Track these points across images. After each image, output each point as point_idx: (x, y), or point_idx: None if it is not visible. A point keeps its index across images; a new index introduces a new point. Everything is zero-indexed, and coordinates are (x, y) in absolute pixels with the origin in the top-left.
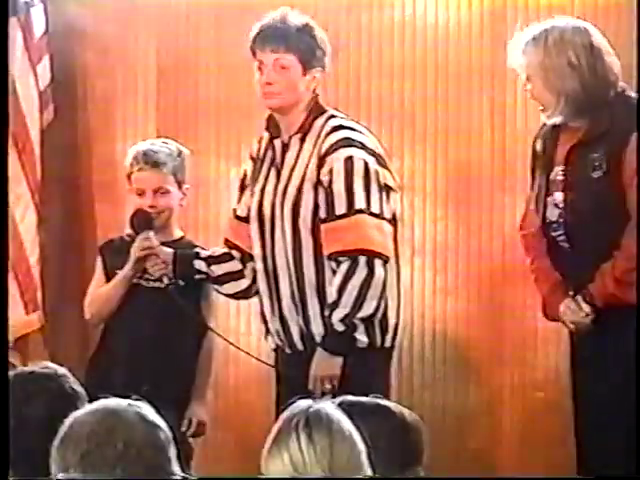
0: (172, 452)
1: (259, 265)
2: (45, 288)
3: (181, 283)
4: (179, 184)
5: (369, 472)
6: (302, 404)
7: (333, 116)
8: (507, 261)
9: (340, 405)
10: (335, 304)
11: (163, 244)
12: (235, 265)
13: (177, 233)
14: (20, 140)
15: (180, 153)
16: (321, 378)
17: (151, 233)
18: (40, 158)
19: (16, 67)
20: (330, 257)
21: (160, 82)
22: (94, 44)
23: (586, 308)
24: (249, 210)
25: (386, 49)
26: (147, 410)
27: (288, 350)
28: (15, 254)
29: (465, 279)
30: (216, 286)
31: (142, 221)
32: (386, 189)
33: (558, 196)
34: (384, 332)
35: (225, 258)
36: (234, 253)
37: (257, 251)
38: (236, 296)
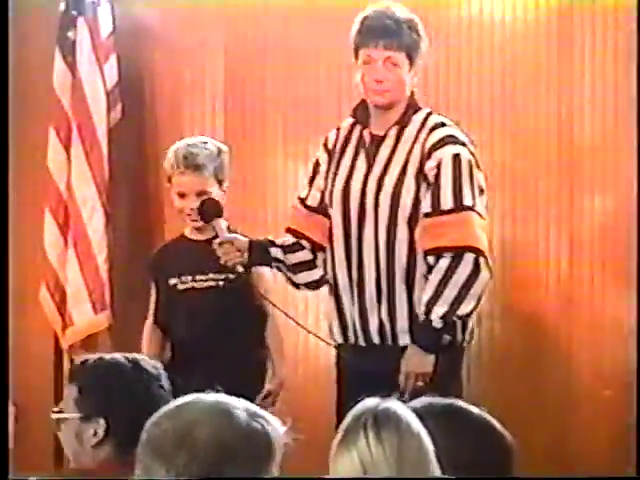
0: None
1: (340, 255)
2: (113, 288)
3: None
4: (220, 183)
5: (437, 472)
6: (370, 402)
7: (431, 113)
8: (575, 258)
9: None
10: (434, 300)
11: (207, 241)
12: (307, 255)
13: (223, 224)
14: (87, 140)
15: (220, 152)
16: (415, 375)
17: (221, 221)
18: (108, 158)
19: (83, 67)
20: (431, 252)
21: (227, 81)
22: (161, 43)
23: None
24: (322, 200)
25: (453, 47)
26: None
27: (362, 343)
28: (84, 254)
29: (533, 275)
30: (290, 275)
31: (211, 209)
32: (480, 191)
33: None
34: (464, 330)
35: (296, 247)
36: (304, 243)
37: (339, 240)
38: (309, 286)
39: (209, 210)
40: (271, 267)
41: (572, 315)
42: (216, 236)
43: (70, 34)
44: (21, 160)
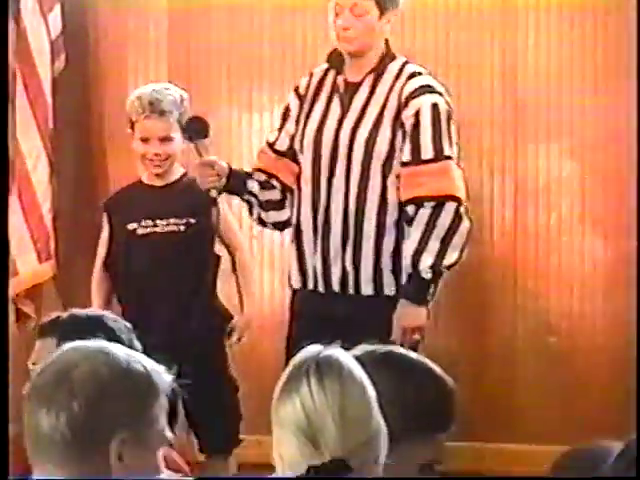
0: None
1: (307, 199)
2: (58, 238)
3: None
4: (182, 130)
5: (379, 419)
6: (312, 349)
7: (407, 62)
8: (520, 206)
9: (378, 357)
10: (420, 251)
11: (168, 185)
12: (277, 194)
13: (180, 170)
14: (32, 90)
15: (182, 99)
16: (410, 329)
17: (206, 141)
18: (52, 107)
19: (27, 18)
20: (410, 201)
21: (171, 27)
22: None
23: None
24: (291, 145)
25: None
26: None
27: (322, 290)
28: (28, 203)
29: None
30: (260, 211)
31: (199, 127)
32: (455, 140)
33: None
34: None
35: (268, 185)
36: (274, 182)
37: (307, 184)
38: (276, 226)
39: (196, 128)
40: (242, 199)
41: (517, 264)
42: (176, 182)
43: None
44: None
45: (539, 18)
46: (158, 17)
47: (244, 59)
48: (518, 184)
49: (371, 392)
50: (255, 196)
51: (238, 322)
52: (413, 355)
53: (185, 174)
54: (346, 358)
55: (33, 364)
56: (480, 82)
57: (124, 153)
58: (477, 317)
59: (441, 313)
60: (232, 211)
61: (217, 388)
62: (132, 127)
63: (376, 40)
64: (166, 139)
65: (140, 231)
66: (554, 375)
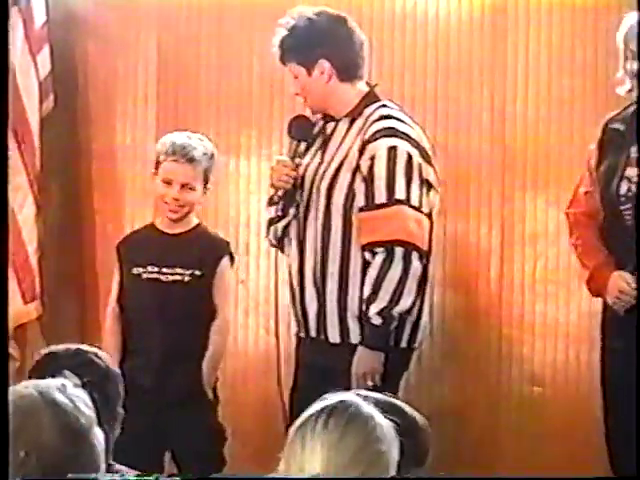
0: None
1: (294, 247)
2: (43, 278)
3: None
4: (205, 183)
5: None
6: (342, 396)
7: (385, 105)
8: (506, 256)
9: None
10: (372, 297)
11: (181, 234)
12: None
13: (194, 221)
14: (20, 130)
15: (213, 155)
16: (363, 375)
17: (302, 145)
18: (40, 148)
19: (17, 58)
20: (366, 247)
21: (160, 71)
22: (94, 33)
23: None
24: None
25: (387, 42)
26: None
27: (303, 334)
28: (14, 244)
29: (464, 273)
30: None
31: (303, 128)
32: (427, 184)
33: (631, 171)
34: (414, 331)
35: None
36: None
37: (293, 230)
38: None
39: (303, 127)
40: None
41: (503, 314)
42: (188, 231)
43: None
44: None
45: (528, 65)
46: (147, 57)
47: (233, 102)
48: (505, 232)
49: (384, 447)
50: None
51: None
52: (398, 402)
53: (199, 224)
54: (360, 404)
55: None
56: (468, 129)
57: (110, 194)
58: (462, 365)
59: (426, 360)
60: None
61: (205, 435)
62: (157, 167)
63: (324, 96)
64: (188, 187)
65: (145, 276)
66: (537, 424)
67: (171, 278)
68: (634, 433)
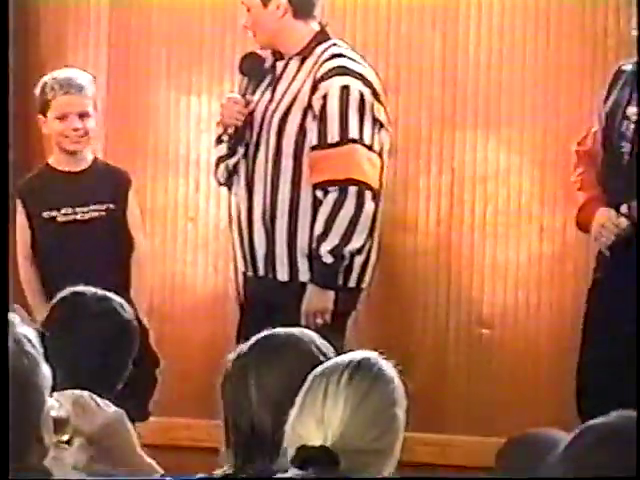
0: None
1: (242, 186)
2: None
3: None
4: (95, 108)
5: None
6: (366, 353)
7: (336, 44)
8: (456, 196)
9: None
10: (323, 235)
11: (81, 172)
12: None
13: (90, 156)
14: None
15: (94, 79)
16: (313, 312)
17: (253, 83)
18: None
19: None
20: (317, 186)
21: (113, 8)
22: None
23: (623, 222)
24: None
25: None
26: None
27: (250, 274)
28: None
29: (414, 214)
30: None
31: (255, 65)
32: (379, 124)
33: (631, 110)
34: (363, 271)
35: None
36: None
37: (242, 168)
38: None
39: (252, 64)
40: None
41: (452, 255)
42: (90, 167)
43: None
44: None
45: (481, 8)
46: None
47: (183, 43)
48: (455, 174)
49: (396, 399)
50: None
51: None
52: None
53: (95, 159)
54: (383, 363)
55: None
56: (420, 71)
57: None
58: (410, 306)
59: (373, 301)
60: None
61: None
62: (44, 109)
63: (276, 30)
64: (85, 115)
65: (61, 219)
66: (486, 366)
67: (88, 216)
68: (610, 367)
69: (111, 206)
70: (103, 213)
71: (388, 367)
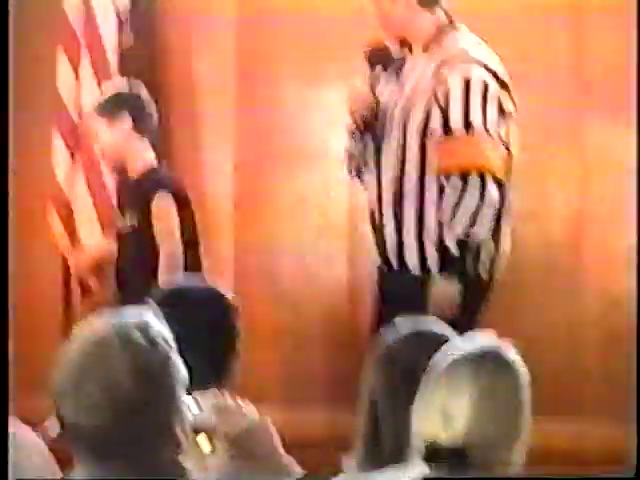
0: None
1: (371, 173)
2: None
3: None
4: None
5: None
6: (487, 339)
7: (461, 33)
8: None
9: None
10: (449, 225)
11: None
12: None
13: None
14: (97, 63)
15: None
16: (442, 304)
17: (381, 74)
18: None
19: None
20: (442, 174)
21: (242, 4)
22: None
23: None
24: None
25: None
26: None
27: (382, 266)
28: (92, 176)
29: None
30: None
31: (383, 56)
32: (503, 113)
33: None
34: (493, 262)
35: None
36: None
37: (371, 160)
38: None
39: (381, 54)
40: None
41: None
42: None
43: None
44: (26, 79)
45: None
46: None
47: (312, 32)
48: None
49: (522, 385)
50: None
51: None
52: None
53: None
54: (506, 349)
55: None
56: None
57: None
58: (543, 295)
59: (507, 291)
60: None
61: None
62: None
63: (408, 21)
64: None
65: None
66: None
67: None
68: None
69: None
70: None
71: (512, 354)
